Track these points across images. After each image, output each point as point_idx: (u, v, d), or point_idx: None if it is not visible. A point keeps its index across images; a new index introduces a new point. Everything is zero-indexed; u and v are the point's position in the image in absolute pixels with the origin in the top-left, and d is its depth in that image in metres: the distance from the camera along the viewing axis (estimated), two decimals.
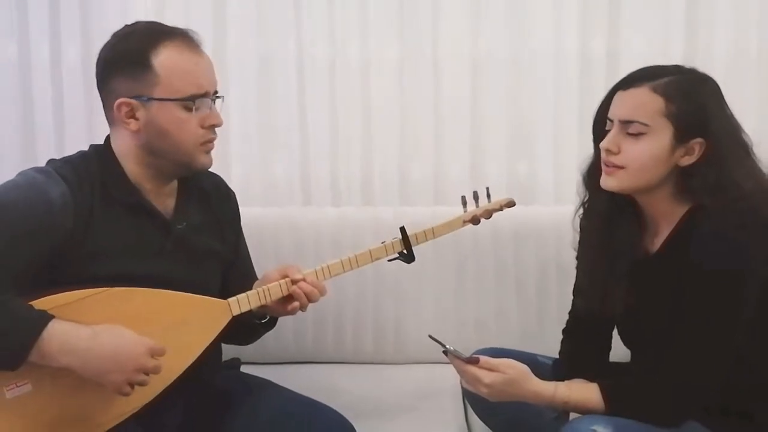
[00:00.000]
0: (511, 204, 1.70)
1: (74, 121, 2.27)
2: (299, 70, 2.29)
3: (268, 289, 1.51)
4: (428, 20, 2.27)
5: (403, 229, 1.64)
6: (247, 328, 1.62)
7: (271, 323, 1.66)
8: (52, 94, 2.28)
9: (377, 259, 1.62)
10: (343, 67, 2.28)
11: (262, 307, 1.54)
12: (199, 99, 1.45)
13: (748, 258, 1.34)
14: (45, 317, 1.29)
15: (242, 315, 1.52)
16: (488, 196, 1.68)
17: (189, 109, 1.44)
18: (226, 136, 2.29)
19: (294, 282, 1.52)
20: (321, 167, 2.32)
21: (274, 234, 2.09)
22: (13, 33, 2.28)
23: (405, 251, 1.64)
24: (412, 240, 1.64)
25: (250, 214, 2.05)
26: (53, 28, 2.27)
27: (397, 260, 1.65)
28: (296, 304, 1.53)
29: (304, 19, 2.27)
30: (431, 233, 1.65)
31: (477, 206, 1.67)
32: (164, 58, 1.43)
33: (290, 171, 2.32)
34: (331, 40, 2.27)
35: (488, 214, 1.68)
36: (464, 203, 1.66)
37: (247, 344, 1.73)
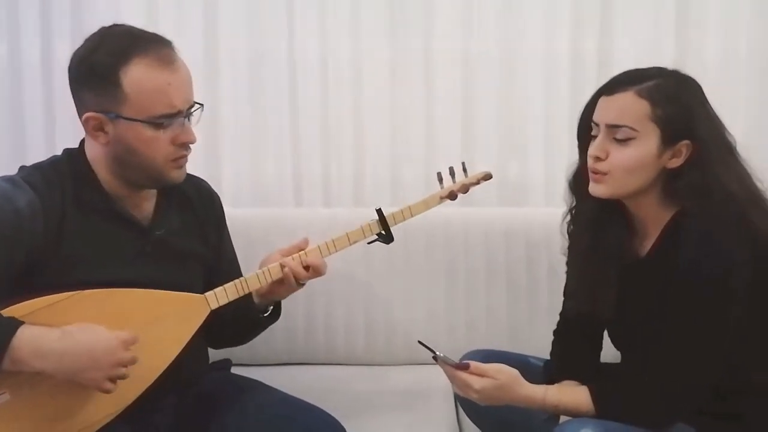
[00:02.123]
0: (488, 177, 1.67)
1: (65, 120, 2.25)
2: (291, 70, 2.28)
3: (246, 280, 1.51)
4: (420, 20, 2.26)
5: (379, 211, 1.62)
6: (251, 322, 1.65)
7: (275, 315, 1.67)
8: (42, 94, 2.27)
9: (355, 241, 1.61)
10: (335, 67, 2.28)
11: (266, 295, 1.58)
12: (169, 119, 1.41)
13: (734, 260, 1.34)
14: (13, 324, 1.27)
15: (246, 310, 1.54)
16: (464, 170, 1.65)
17: (158, 128, 1.40)
18: (217, 137, 2.29)
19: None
20: (312, 168, 2.31)
21: (265, 235, 2.08)
22: (3, 32, 2.26)
23: (383, 232, 1.62)
24: (389, 220, 1.62)
25: (241, 214, 2.05)
26: (44, 27, 2.26)
27: (378, 244, 1.64)
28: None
29: (295, 18, 2.26)
30: (408, 212, 1.63)
31: (453, 182, 1.65)
32: (134, 77, 1.37)
33: (282, 171, 2.32)
34: (322, 39, 2.27)
35: (465, 189, 1.66)
36: (440, 180, 1.65)
37: (248, 341, 1.74)
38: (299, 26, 2.27)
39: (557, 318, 1.69)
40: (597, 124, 1.45)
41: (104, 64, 1.38)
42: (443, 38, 2.27)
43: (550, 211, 2.13)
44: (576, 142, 1.56)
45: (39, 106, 2.28)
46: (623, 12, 2.25)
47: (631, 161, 1.41)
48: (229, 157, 2.31)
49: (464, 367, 1.43)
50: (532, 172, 2.32)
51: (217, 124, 2.28)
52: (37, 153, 2.20)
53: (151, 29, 1.46)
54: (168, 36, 1.46)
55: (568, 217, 1.60)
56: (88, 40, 1.43)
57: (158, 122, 1.40)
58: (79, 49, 1.43)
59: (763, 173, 1.46)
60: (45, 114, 2.28)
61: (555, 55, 2.27)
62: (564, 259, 1.64)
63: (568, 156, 2.19)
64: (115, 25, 1.46)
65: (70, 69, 1.44)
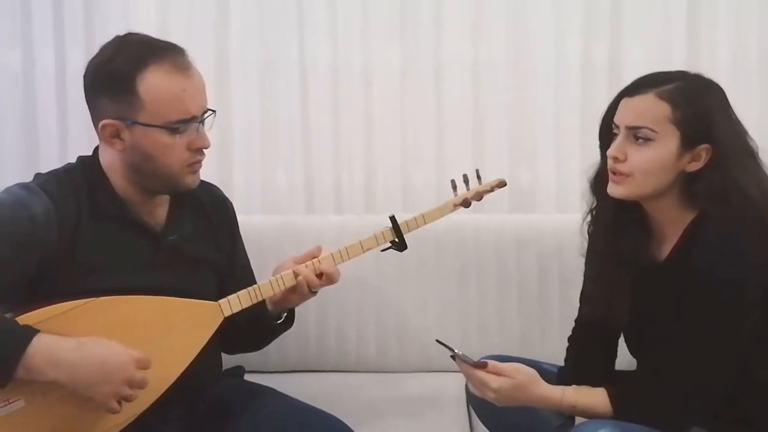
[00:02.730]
0: (502, 184, 1.67)
1: (78, 128, 2.26)
2: (301, 77, 2.29)
3: (259, 288, 1.51)
4: (430, 27, 2.27)
5: (393, 218, 1.62)
6: (265, 329, 1.65)
7: (288, 322, 1.67)
8: (55, 101, 2.29)
9: (368, 249, 1.60)
10: (345, 74, 2.29)
11: (280, 303, 1.58)
12: (185, 124, 1.43)
13: (752, 266, 1.34)
14: (29, 332, 1.28)
15: (260, 317, 1.54)
16: (478, 177, 1.65)
17: (174, 134, 1.42)
18: (229, 144, 2.30)
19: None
20: (324, 175, 2.32)
21: (276, 242, 2.08)
22: (16, 40, 2.28)
23: (396, 239, 1.62)
24: (402, 228, 1.62)
25: (252, 222, 2.06)
26: (57, 35, 2.27)
27: (392, 252, 1.63)
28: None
29: (306, 26, 2.27)
30: (422, 220, 1.63)
31: (467, 189, 1.65)
32: (150, 84, 1.39)
33: (293, 179, 2.32)
34: (333, 47, 2.28)
35: (479, 196, 1.66)
36: (454, 187, 1.64)
37: (262, 348, 1.75)
38: (310, 34, 2.28)
39: (569, 323, 1.68)
40: (617, 126, 1.46)
41: (121, 71, 1.40)
42: (453, 45, 2.27)
43: (561, 217, 2.14)
44: (587, 146, 1.57)
45: (52, 114, 2.29)
46: (633, 17, 2.25)
47: (650, 163, 1.41)
48: (240, 164, 2.31)
49: (482, 366, 1.43)
50: (542, 178, 2.32)
51: (228, 131, 2.29)
52: (50, 160, 2.22)
53: (162, 37, 1.48)
54: (179, 44, 1.47)
55: (589, 218, 1.60)
56: (104, 49, 1.45)
57: (174, 128, 1.41)
58: (95, 57, 1.45)
59: None
60: (58, 122, 2.29)
61: (565, 61, 2.27)
62: (575, 264, 1.64)
63: (579, 162, 2.22)
64: (131, 34, 1.48)
65: (87, 77, 1.45)
